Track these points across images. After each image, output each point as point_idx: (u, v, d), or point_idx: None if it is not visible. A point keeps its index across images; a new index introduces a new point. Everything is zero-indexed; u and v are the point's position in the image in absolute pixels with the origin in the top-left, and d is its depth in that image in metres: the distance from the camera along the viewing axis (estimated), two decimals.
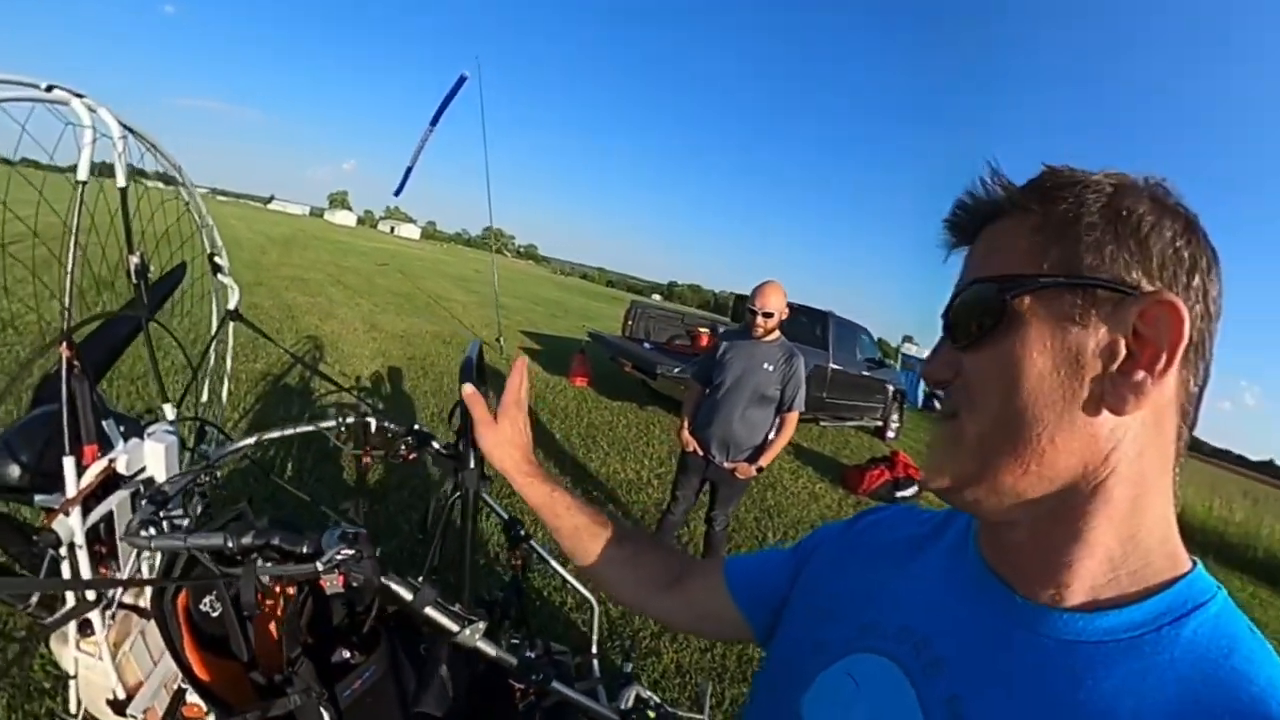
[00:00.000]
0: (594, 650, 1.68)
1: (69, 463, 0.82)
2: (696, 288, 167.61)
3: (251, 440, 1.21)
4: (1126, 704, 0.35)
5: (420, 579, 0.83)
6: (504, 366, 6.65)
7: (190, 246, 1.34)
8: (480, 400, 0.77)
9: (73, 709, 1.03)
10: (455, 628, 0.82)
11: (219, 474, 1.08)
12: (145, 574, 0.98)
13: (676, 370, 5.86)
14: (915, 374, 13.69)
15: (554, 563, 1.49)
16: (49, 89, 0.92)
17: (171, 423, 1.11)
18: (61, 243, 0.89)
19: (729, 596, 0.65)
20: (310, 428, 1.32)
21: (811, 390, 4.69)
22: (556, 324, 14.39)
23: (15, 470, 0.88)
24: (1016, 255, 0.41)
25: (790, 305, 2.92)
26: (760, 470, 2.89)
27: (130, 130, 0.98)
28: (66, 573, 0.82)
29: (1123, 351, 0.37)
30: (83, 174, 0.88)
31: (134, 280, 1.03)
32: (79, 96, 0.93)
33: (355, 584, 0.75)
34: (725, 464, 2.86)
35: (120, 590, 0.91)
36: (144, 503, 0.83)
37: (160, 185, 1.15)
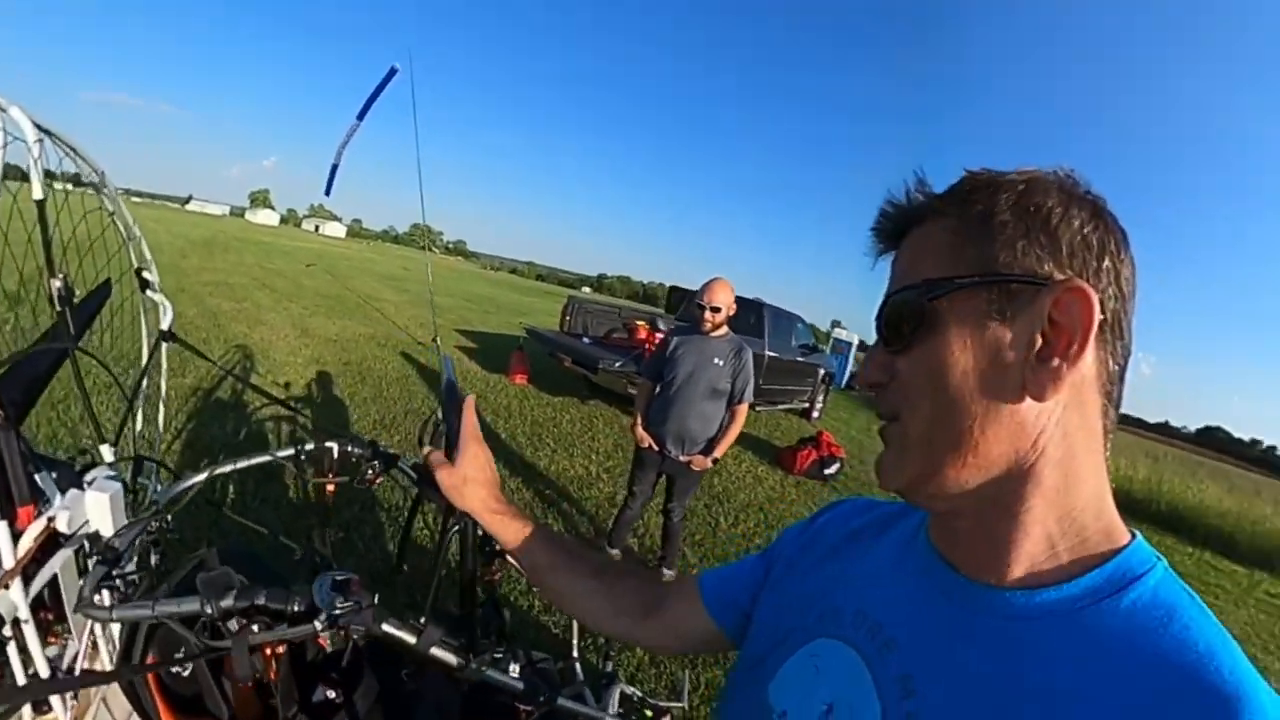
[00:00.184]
0: (575, 655, 1.69)
1: (2, 529, 0.72)
2: (626, 279, 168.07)
3: (203, 476, 1.11)
4: (1066, 674, 0.37)
5: (423, 620, 0.80)
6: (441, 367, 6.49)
7: (116, 260, 1.20)
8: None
9: None
10: (460, 663, 0.80)
11: (169, 517, 0.99)
12: (102, 637, 0.88)
13: (618, 364, 5.90)
14: (844, 356, 15.34)
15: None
16: None
17: (112, 465, 1.00)
18: None
19: (706, 612, 0.65)
20: (267, 458, 1.23)
21: None
22: (490, 321, 14.07)
23: None
24: (937, 258, 0.43)
25: None
26: (715, 461, 2.98)
27: (47, 133, 0.86)
28: (13, 653, 0.73)
29: (1039, 341, 0.39)
30: None
31: (58, 308, 0.92)
32: None
33: (355, 637, 0.71)
34: (681, 457, 2.93)
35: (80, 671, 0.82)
36: (94, 563, 0.75)
37: (74, 188, 1.01)
